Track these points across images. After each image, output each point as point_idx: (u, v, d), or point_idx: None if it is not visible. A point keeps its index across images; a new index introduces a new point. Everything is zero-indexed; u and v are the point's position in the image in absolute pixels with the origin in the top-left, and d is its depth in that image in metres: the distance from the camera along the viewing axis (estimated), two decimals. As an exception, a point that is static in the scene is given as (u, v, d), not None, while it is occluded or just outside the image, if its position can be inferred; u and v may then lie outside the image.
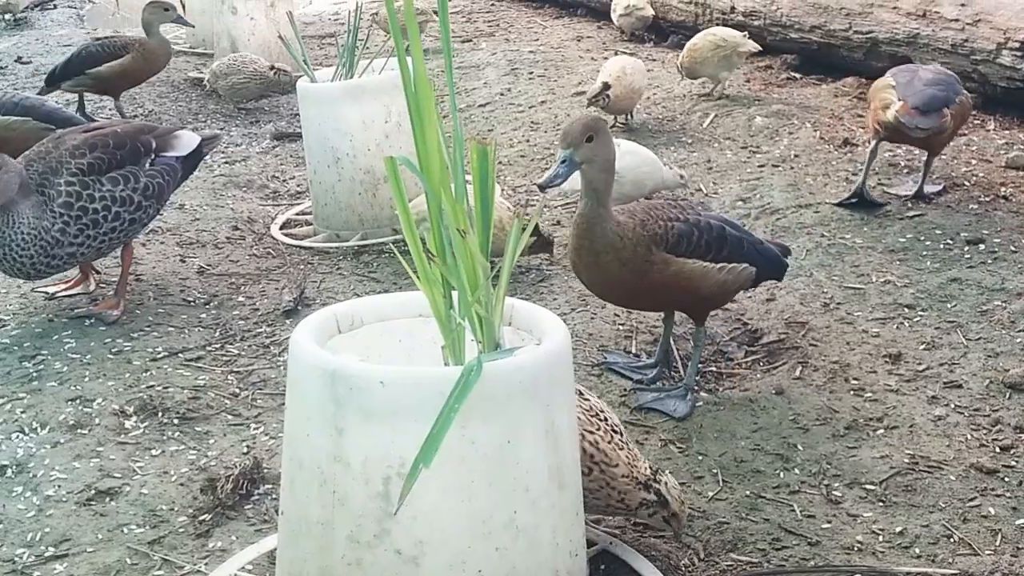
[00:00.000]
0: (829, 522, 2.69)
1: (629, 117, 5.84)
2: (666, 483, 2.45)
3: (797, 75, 6.82)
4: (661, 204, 3.18)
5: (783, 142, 5.48)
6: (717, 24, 7.43)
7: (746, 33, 6.21)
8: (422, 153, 2.09)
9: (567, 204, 4.91)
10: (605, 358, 3.47)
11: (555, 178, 2.97)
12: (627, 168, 4.42)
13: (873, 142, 4.67)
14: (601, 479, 2.42)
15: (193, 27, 6.83)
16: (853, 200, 4.62)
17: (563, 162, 2.93)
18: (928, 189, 4.70)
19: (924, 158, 4.72)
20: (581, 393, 2.52)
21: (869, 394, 3.26)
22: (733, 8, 7.40)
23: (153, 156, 3.88)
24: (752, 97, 6.25)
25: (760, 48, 6.29)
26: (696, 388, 3.29)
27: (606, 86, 5.54)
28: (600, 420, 2.47)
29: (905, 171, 4.99)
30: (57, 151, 3.68)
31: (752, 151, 5.41)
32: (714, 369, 3.49)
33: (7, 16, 10.90)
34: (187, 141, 4.07)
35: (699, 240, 3.08)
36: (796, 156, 5.27)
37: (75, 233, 3.61)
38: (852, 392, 3.28)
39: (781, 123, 5.73)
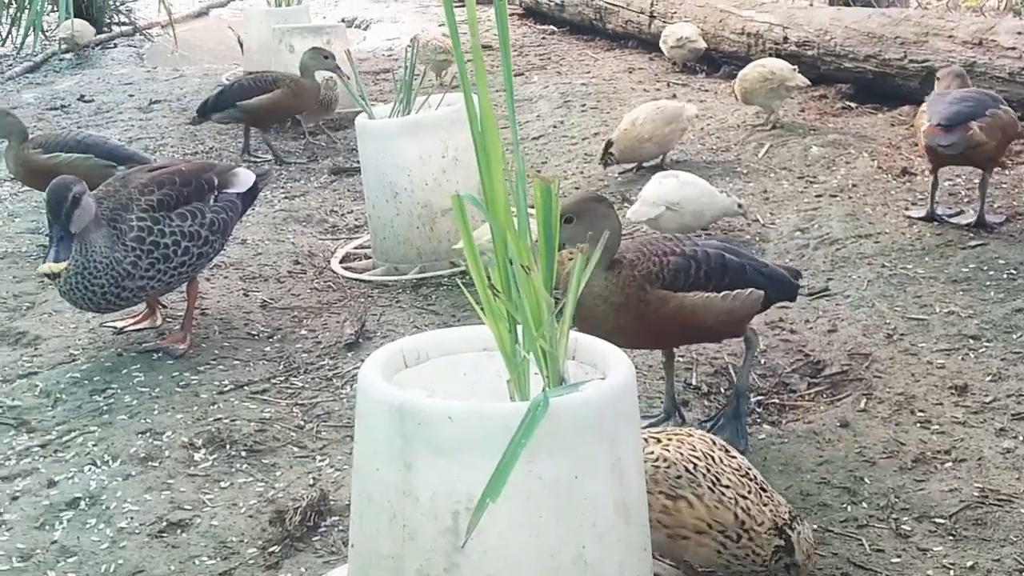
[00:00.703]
0: (899, 556, 2.66)
1: (662, 159, 5.77)
2: (799, 532, 2.36)
3: (852, 104, 6.79)
4: (656, 239, 3.11)
5: (840, 172, 5.45)
6: (770, 55, 7.43)
7: (796, 67, 6.21)
8: (488, 189, 2.12)
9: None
10: None
11: None
12: (687, 199, 4.46)
13: (931, 175, 4.67)
14: (749, 546, 2.35)
15: (349, 78, 6.94)
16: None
17: None
18: (991, 219, 4.65)
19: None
20: (728, 451, 2.45)
21: (936, 426, 3.22)
22: (786, 39, 7.40)
23: (216, 193, 3.98)
24: (807, 127, 6.23)
25: (809, 83, 6.28)
26: (752, 415, 3.27)
27: (609, 144, 5.57)
28: (751, 480, 2.39)
29: (966, 200, 4.95)
30: (126, 189, 3.78)
31: (809, 181, 5.39)
32: (777, 401, 3.47)
33: (69, 54, 11.23)
34: (244, 178, 4.18)
35: (697, 271, 2.99)
36: (854, 186, 5.25)
37: (146, 267, 3.70)
38: (919, 424, 3.24)
39: (838, 152, 5.70)
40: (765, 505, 2.37)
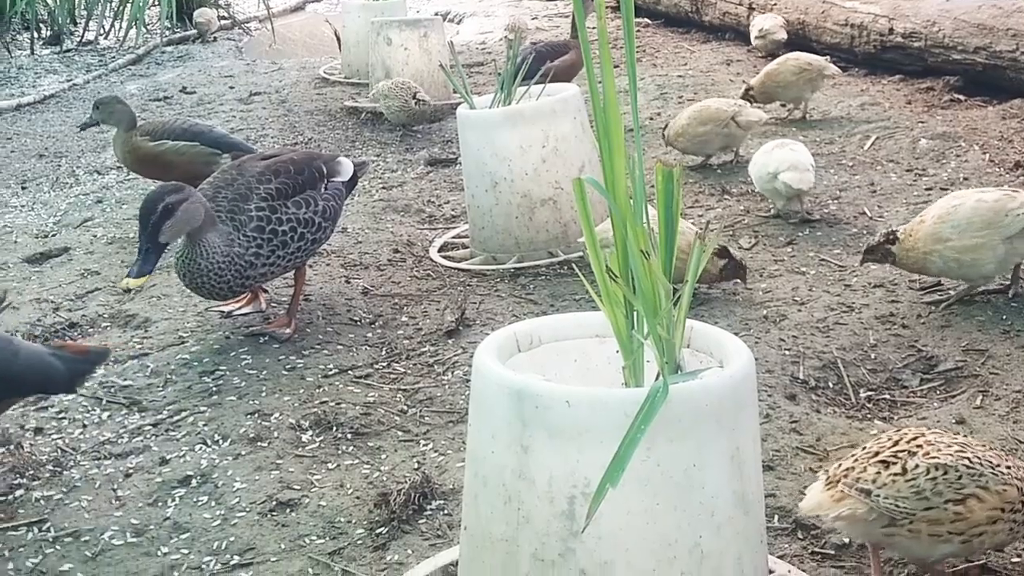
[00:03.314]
0: (1019, 555, 2.56)
1: (735, 154, 5.66)
2: None
3: (961, 97, 6.59)
4: None
5: (950, 165, 5.30)
6: (875, 46, 7.28)
7: (829, 56, 6.14)
8: (608, 174, 2.10)
9: (729, 222, 4.85)
10: None
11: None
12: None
13: None
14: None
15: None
16: None
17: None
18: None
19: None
20: (959, 432, 2.40)
21: (1056, 426, 3.11)
22: (891, 30, 7.22)
23: (326, 181, 4.06)
24: (915, 119, 6.07)
25: (840, 71, 6.19)
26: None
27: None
28: (991, 447, 2.33)
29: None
30: (243, 178, 3.85)
31: (918, 174, 5.25)
32: (888, 397, 3.38)
33: (196, 41, 11.74)
34: (347, 167, 4.27)
35: None
36: (965, 179, 5.10)
37: (267, 254, 3.79)
38: (1038, 424, 3.13)
39: (947, 145, 5.54)
40: (1009, 456, 2.30)
